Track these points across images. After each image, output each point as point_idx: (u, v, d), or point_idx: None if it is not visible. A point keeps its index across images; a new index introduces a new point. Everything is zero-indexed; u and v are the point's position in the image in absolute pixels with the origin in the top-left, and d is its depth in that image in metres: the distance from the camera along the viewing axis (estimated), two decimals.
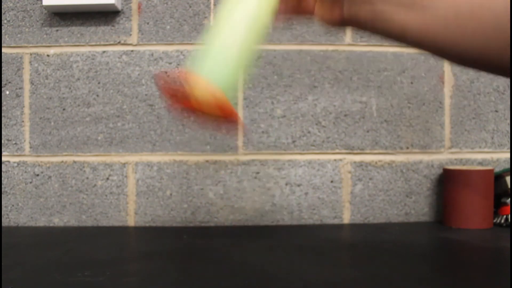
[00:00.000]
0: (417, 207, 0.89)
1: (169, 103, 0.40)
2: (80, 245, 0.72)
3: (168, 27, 0.88)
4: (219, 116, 0.39)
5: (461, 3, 0.34)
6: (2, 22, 0.88)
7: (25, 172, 0.87)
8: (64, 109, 0.88)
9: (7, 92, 0.88)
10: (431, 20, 0.36)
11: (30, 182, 0.87)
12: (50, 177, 0.87)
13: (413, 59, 0.90)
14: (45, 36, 0.88)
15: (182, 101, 0.38)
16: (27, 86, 0.88)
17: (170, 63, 0.88)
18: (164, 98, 0.40)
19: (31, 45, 0.88)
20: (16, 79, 0.88)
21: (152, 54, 0.88)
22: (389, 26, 0.39)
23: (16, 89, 0.88)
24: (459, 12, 0.34)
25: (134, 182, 0.87)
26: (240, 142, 0.88)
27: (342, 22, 0.42)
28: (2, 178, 0.87)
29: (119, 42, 0.88)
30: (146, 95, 0.88)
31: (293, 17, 0.46)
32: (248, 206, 0.88)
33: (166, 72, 0.41)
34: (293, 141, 0.88)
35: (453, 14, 0.34)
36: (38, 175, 0.87)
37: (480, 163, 0.90)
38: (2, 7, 0.88)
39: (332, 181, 0.88)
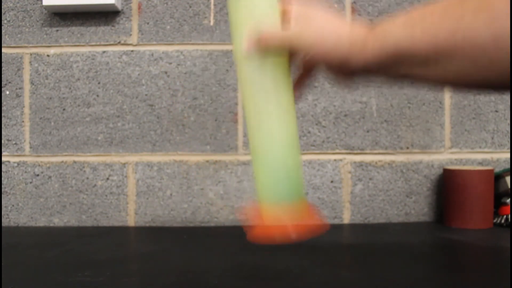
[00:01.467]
0: (417, 207, 0.89)
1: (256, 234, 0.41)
2: (80, 245, 0.72)
3: (168, 27, 0.88)
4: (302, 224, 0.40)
5: (475, 52, 0.34)
6: (2, 22, 0.88)
7: (25, 172, 0.87)
8: (64, 109, 0.88)
9: (7, 92, 0.88)
10: (449, 71, 0.37)
11: (30, 182, 0.87)
12: (50, 177, 0.87)
13: None
14: (45, 36, 0.88)
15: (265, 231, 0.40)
16: (27, 86, 0.88)
17: (170, 63, 0.88)
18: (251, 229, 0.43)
19: (31, 45, 0.88)
20: (16, 79, 0.88)
21: (152, 54, 0.88)
22: (409, 78, 0.40)
23: (16, 89, 0.88)
24: (476, 60, 0.34)
25: (134, 182, 0.87)
26: (240, 142, 0.88)
27: (354, 79, 0.43)
28: (2, 178, 0.87)
29: (119, 42, 0.88)
30: (146, 95, 0.88)
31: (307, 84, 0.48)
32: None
33: (245, 210, 0.42)
34: None
35: (469, 63, 0.35)
36: (38, 175, 0.87)
37: (480, 163, 0.90)
38: (2, 7, 0.88)
39: (332, 181, 0.88)
